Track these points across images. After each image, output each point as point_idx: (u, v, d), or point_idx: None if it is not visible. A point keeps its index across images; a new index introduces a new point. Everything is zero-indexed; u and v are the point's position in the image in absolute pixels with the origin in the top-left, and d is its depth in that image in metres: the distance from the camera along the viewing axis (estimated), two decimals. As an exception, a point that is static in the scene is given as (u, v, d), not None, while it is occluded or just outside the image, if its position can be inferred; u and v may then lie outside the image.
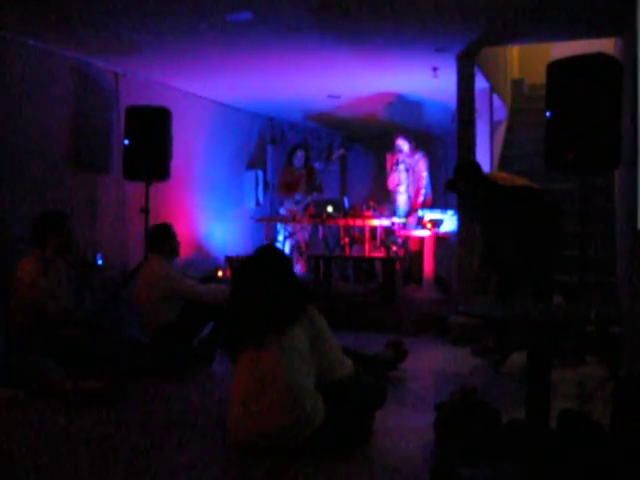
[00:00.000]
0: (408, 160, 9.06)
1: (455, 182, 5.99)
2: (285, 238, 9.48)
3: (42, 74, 6.70)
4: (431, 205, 8.96)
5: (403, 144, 9.03)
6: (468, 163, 6.34)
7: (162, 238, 5.81)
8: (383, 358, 5.37)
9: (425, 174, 9.05)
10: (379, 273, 8.47)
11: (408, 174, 9.07)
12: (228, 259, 9.15)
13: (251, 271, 3.85)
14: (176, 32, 6.26)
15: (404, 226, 8.70)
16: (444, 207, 8.62)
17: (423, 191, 9.04)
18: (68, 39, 6.48)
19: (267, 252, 3.93)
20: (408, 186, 9.09)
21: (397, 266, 8.48)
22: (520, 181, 5.90)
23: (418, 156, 9.08)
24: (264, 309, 3.65)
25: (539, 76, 6.74)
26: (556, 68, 5.49)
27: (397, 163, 9.04)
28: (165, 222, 6.17)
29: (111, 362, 5.01)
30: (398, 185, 9.14)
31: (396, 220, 8.79)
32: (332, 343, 3.72)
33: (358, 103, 9.61)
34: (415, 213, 8.55)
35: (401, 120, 10.48)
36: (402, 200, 9.13)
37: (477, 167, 6.04)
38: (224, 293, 5.65)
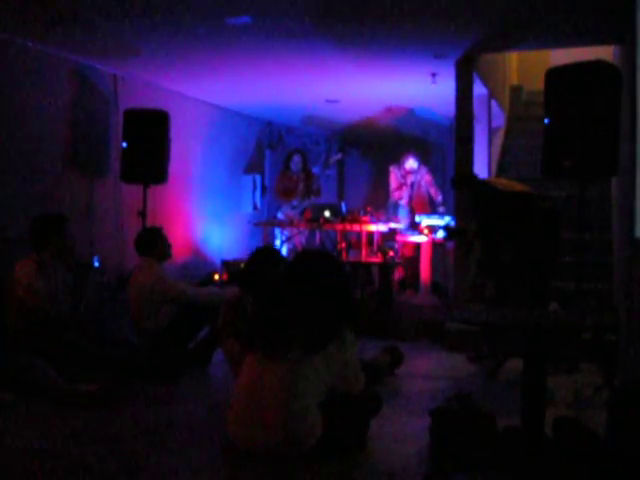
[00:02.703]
0: (415, 176, 9.14)
1: (459, 182, 6.02)
2: (282, 242, 9.47)
3: (40, 76, 6.69)
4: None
5: (414, 163, 9.08)
6: (464, 172, 6.38)
7: (153, 241, 5.80)
8: (379, 363, 5.37)
9: (435, 189, 9.14)
10: (375, 278, 8.46)
11: (412, 188, 9.13)
12: (225, 263, 9.14)
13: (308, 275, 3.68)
14: (175, 35, 6.26)
15: (404, 231, 8.74)
16: (442, 213, 8.65)
17: (440, 207, 9.08)
18: (67, 41, 6.47)
19: (329, 260, 3.83)
20: (409, 200, 9.14)
21: (400, 270, 8.55)
22: (520, 187, 5.91)
23: (423, 171, 9.16)
24: (300, 321, 3.53)
25: (538, 83, 6.73)
26: (555, 75, 5.49)
27: (412, 185, 9.09)
28: (153, 226, 6.17)
29: (107, 365, 5.01)
30: (400, 199, 9.21)
31: (394, 225, 8.81)
32: (353, 364, 3.64)
33: (357, 108, 9.62)
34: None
35: (400, 126, 10.49)
36: (403, 212, 9.18)
37: (473, 174, 6.07)
38: (218, 296, 5.65)
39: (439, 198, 9.22)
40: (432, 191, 9.19)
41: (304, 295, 3.59)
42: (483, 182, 6.03)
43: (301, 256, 4.04)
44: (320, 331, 3.51)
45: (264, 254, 4.88)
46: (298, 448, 3.42)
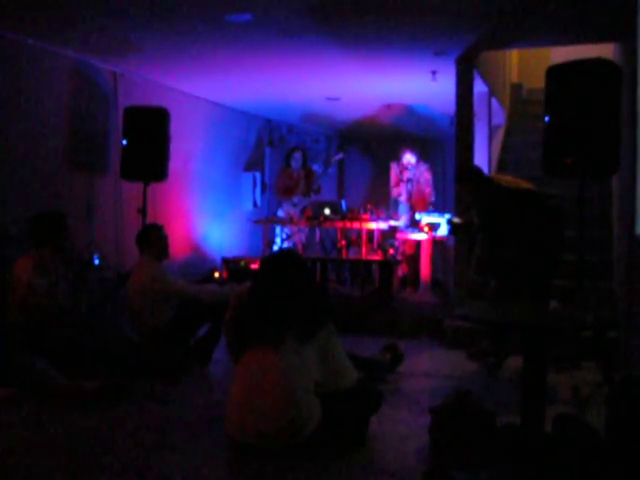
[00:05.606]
0: (413, 171, 9.13)
1: (464, 177, 6.02)
2: (282, 240, 9.47)
3: (40, 73, 6.69)
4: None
5: (411, 158, 9.09)
6: (469, 167, 6.38)
7: (147, 238, 5.77)
8: (380, 361, 5.37)
9: (430, 189, 9.14)
10: (376, 276, 8.47)
11: (411, 184, 9.13)
12: (225, 261, 9.14)
13: (285, 270, 3.80)
14: (175, 32, 6.25)
15: (404, 228, 8.75)
16: (441, 211, 8.65)
17: (430, 206, 9.08)
18: (67, 39, 6.47)
19: (293, 258, 3.94)
20: (409, 197, 9.15)
21: (404, 267, 8.57)
22: (524, 184, 5.90)
23: (423, 168, 9.15)
24: (296, 310, 3.67)
25: (538, 80, 6.73)
26: (555, 72, 5.49)
27: (407, 180, 9.11)
28: (153, 223, 6.16)
29: (107, 362, 5.01)
30: (399, 195, 9.23)
31: (394, 223, 8.82)
32: (340, 357, 3.73)
33: (357, 106, 9.62)
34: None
35: (400, 124, 10.49)
36: (403, 208, 9.20)
37: (479, 170, 6.07)
38: (217, 293, 5.65)
39: (432, 199, 9.22)
40: (427, 190, 9.17)
41: (288, 288, 3.72)
42: (488, 178, 6.03)
43: (275, 255, 4.30)
44: (310, 321, 3.64)
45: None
46: (297, 432, 3.45)
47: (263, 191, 10.93)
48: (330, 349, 3.67)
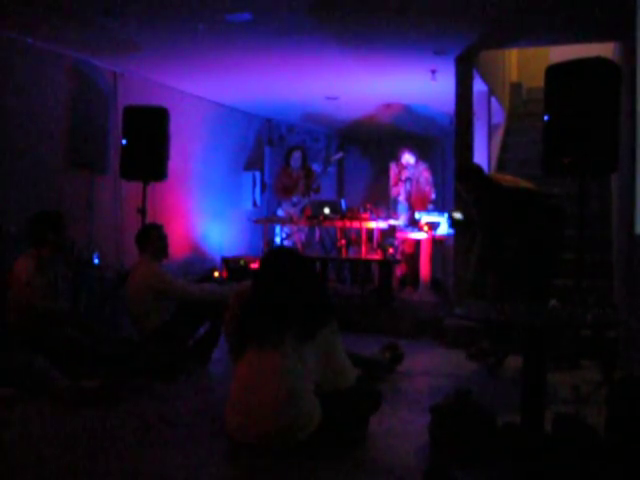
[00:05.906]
0: (411, 171, 9.13)
1: (464, 176, 6.02)
2: (282, 240, 9.47)
3: (40, 73, 6.69)
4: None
5: (410, 158, 9.09)
6: (470, 165, 6.37)
7: (147, 239, 5.76)
8: (379, 361, 5.37)
9: (430, 187, 9.13)
10: (375, 275, 8.47)
11: (410, 184, 9.13)
12: (224, 260, 9.14)
13: (285, 269, 3.80)
14: (175, 32, 6.25)
15: (404, 227, 8.75)
16: (441, 210, 8.65)
17: (430, 205, 9.09)
18: (67, 38, 6.47)
19: (293, 256, 3.94)
20: (408, 197, 9.14)
21: (403, 267, 8.57)
22: (524, 183, 5.90)
23: (422, 167, 9.15)
24: (297, 310, 3.66)
25: (537, 80, 6.73)
26: (555, 72, 5.49)
27: (405, 180, 9.12)
28: (152, 223, 6.15)
29: (106, 361, 5.01)
30: (399, 195, 9.23)
31: (393, 222, 8.82)
32: (340, 357, 3.73)
33: (356, 105, 9.62)
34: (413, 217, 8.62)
35: (399, 123, 10.48)
36: (402, 208, 9.20)
37: (479, 169, 6.06)
38: (217, 292, 5.64)
39: (432, 197, 9.22)
40: (427, 189, 9.18)
41: (288, 287, 3.72)
42: (488, 177, 6.03)
43: (275, 254, 4.18)
44: (310, 320, 3.63)
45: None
46: (297, 431, 3.45)
47: (263, 190, 10.92)
48: (330, 349, 3.67)
